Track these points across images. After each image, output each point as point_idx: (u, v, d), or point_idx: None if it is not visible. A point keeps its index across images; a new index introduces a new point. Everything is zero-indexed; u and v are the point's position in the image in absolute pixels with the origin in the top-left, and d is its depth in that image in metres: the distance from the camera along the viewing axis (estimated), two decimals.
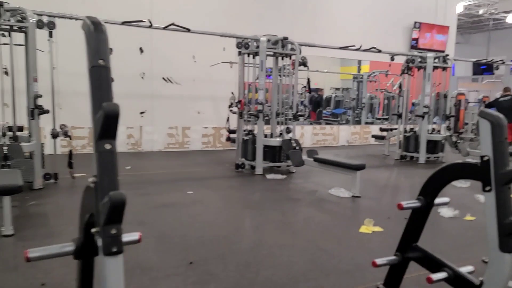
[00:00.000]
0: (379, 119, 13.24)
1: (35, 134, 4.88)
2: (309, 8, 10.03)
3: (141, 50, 7.54)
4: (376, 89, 13.63)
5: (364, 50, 7.40)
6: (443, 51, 11.22)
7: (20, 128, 5.20)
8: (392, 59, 8.15)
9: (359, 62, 13.44)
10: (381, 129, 9.83)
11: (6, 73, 5.68)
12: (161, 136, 8.45)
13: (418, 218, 2.63)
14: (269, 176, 6.32)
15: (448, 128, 8.25)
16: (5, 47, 5.16)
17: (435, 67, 8.17)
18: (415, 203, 2.56)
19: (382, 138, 9.58)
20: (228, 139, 7.57)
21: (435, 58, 8.17)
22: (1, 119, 5.15)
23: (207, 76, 8.57)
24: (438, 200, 2.60)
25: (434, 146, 8.21)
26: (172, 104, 8.34)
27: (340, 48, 7.31)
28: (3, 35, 5.34)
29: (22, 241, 3.41)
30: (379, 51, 7.62)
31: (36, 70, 4.84)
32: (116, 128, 1.36)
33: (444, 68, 8.31)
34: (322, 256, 3.34)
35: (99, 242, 1.67)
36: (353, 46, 7.22)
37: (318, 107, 13.11)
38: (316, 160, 5.93)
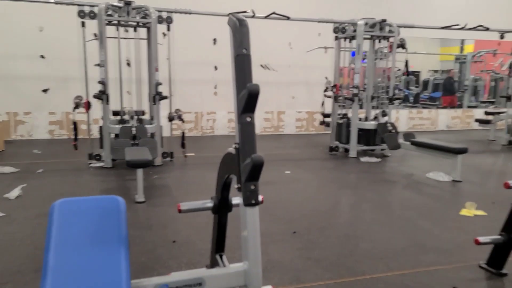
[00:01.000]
0: (484, 102, 12.24)
1: (156, 117, 5.62)
2: None
3: None
4: (482, 70, 12.57)
5: (470, 29, 6.96)
6: None
7: (143, 112, 5.99)
8: (502, 37, 7.53)
9: (462, 41, 12.49)
10: (486, 113, 9.16)
11: (128, 64, 6.54)
12: (258, 120, 8.94)
13: None
14: (363, 159, 6.40)
15: None
16: (125, 41, 5.93)
17: None
18: None
19: (487, 122, 8.92)
20: (322, 122, 7.74)
21: None
22: (125, 105, 5.98)
23: (302, 62, 8.80)
24: None
25: None
26: (268, 90, 8.74)
27: (443, 28, 6.97)
28: (126, 31, 6.16)
29: (153, 207, 4.05)
30: (487, 29, 7.10)
31: (157, 61, 5.53)
32: (256, 104, 1.68)
33: None
34: (421, 234, 3.43)
35: (233, 200, 2.06)
36: (457, 25, 6.83)
37: (451, 90, 11.90)
38: (413, 143, 5.86)
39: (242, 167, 1.68)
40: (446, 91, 11.96)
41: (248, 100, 1.64)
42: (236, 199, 2.06)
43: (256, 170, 1.61)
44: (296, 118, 9.27)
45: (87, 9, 5.33)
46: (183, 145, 5.98)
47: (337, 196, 4.74)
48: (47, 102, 7.83)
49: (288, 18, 6.19)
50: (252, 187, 1.67)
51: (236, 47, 1.72)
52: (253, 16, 5.77)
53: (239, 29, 1.71)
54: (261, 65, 8.64)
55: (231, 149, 1.80)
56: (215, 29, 8.05)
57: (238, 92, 1.71)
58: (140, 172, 4.16)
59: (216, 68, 8.48)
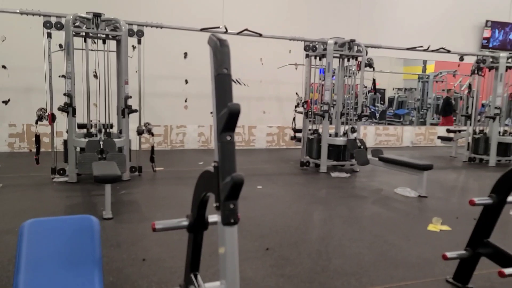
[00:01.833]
0: None
1: (125, 131, 5.48)
2: (376, 9, 10.03)
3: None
4: (443, 90, 13.21)
5: (433, 51, 7.30)
6: None
7: (111, 126, 5.83)
8: (462, 59, 7.95)
9: (425, 62, 13.10)
10: (448, 131, 9.58)
11: (95, 76, 6.38)
12: None
13: (490, 215, 2.72)
14: (334, 174, 6.51)
15: None
16: (92, 53, 5.79)
17: (508, 67, 7.87)
18: (487, 200, 2.67)
19: (449, 139, 9.33)
20: (293, 137, 7.84)
21: (508, 58, 7.85)
22: (92, 118, 5.80)
23: (273, 78, 8.91)
24: (511, 198, 2.68)
25: (506, 149, 7.92)
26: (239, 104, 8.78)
27: (408, 49, 7.28)
28: (94, 43, 6.02)
29: (121, 224, 3.92)
30: (448, 51, 7.47)
31: (127, 74, 5.43)
32: (236, 123, 1.67)
33: None
34: (390, 249, 3.49)
35: (210, 218, 2.02)
36: (421, 47, 7.16)
37: (450, 110, 11.86)
38: (381, 159, 6.01)
39: (221, 185, 1.65)
40: (445, 111, 11.93)
41: (228, 119, 1.63)
42: (213, 217, 2.03)
43: (236, 189, 1.60)
44: (267, 133, 9.33)
45: (53, 19, 5.18)
46: (152, 159, 5.85)
47: (308, 212, 4.76)
48: (7, 114, 7.50)
49: (260, 35, 6.28)
50: (231, 206, 1.65)
51: (217, 66, 1.71)
52: (225, 32, 5.80)
53: (220, 49, 1.72)
54: (233, 80, 8.67)
55: (210, 167, 1.78)
56: (186, 43, 8.04)
57: (218, 111, 1.69)
58: (108, 187, 4.03)
59: (186, 81, 8.43)
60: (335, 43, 6.51)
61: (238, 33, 6.00)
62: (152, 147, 5.85)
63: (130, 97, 5.46)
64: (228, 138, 1.67)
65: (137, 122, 5.78)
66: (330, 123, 6.94)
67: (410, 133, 10.97)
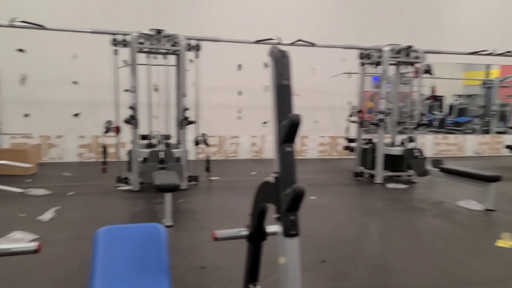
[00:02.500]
0: None
1: (183, 141, 5.70)
2: (434, 12, 9.66)
3: (265, 65, 8.16)
4: (509, 95, 12.36)
5: (499, 55, 6.88)
6: None
7: (169, 137, 6.09)
8: None
9: (487, 66, 12.35)
10: None
11: (156, 89, 6.71)
12: None
13: None
14: (390, 185, 6.30)
15: None
16: (153, 67, 6.08)
17: None
18: None
19: None
20: (347, 147, 7.70)
21: None
22: (152, 130, 6.10)
23: (325, 87, 8.85)
24: None
25: None
26: None
27: (471, 53, 6.92)
28: (155, 58, 6.34)
29: (180, 231, 4.06)
30: None
31: (185, 87, 5.67)
32: (296, 134, 1.70)
33: None
34: (454, 266, 3.32)
35: (268, 228, 2.06)
36: (485, 50, 6.78)
37: None
38: (442, 170, 5.74)
39: (282, 196, 1.68)
40: None
41: (289, 130, 1.66)
42: (272, 228, 2.06)
43: (297, 200, 1.62)
44: (319, 143, 9.26)
45: (120, 37, 5.54)
46: (207, 169, 6.02)
47: (364, 224, 4.65)
48: (78, 126, 8.08)
49: (313, 44, 6.28)
50: (292, 217, 1.67)
51: (277, 77, 1.76)
52: (278, 43, 5.87)
53: (281, 61, 1.76)
54: None
55: (270, 178, 1.81)
56: (239, 55, 8.21)
57: (279, 121, 1.73)
58: (168, 196, 4.20)
59: (240, 93, 8.61)
60: (391, 50, 6.35)
61: (291, 44, 6.04)
62: (208, 157, 6.02)
63: (188, 109, 5.68)
64: (289, 149, 1.70)
65: (194, 133, 5.99)
66: (386, 132, 6.76)
67: (472, 142, 10.36)
